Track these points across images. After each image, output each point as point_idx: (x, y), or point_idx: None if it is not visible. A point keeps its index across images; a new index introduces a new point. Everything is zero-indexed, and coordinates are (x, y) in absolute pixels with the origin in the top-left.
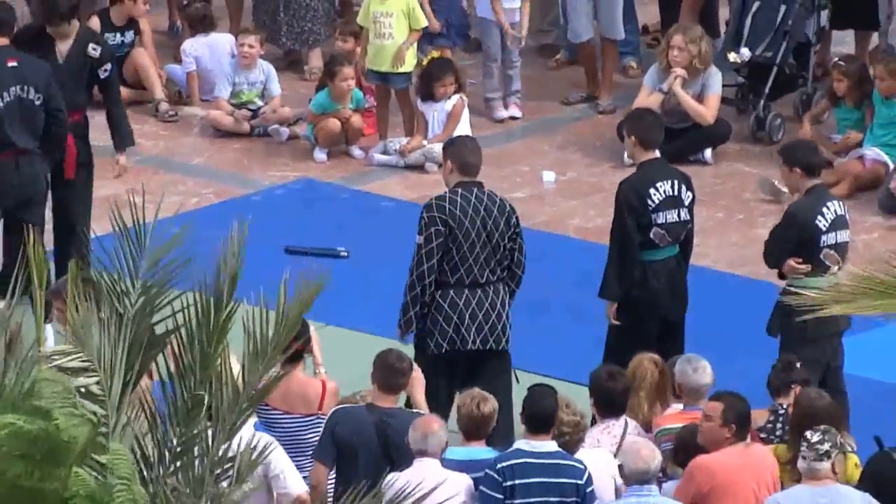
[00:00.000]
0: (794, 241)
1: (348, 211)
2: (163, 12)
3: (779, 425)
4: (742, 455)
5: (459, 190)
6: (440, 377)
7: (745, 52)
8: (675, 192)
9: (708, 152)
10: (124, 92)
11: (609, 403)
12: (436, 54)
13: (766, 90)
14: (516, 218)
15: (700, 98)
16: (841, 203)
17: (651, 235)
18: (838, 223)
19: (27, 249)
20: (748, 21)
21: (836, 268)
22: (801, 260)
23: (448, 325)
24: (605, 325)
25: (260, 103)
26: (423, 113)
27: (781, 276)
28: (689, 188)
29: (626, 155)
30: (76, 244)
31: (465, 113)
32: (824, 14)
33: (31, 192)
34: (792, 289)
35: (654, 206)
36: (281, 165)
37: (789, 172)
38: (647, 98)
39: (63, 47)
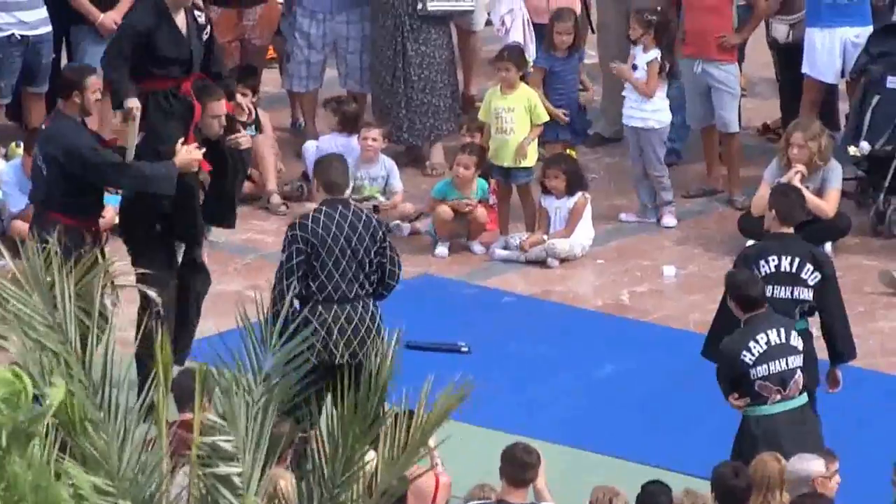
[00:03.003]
0: (730, 378)
1: (469, 306)
2: (286, 109)
3: None
4: None
5: (324, 208)
6: (312, 386)
7: (865, 146)
8: (793, 269)
9: (828, 246)
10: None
11: (732, 500)
12: (572, 152)
13: (886, 184)
14: (383, 233)
15: (820, 192)
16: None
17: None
18: (771, 353)
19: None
20: (868, 115)
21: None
22: (737, 395)
23: (317, 339)
24: (724, 419)
25: (381, 199)
26: (546, 209)
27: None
28: (818, 268)
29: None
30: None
31: (588, 209)
32: None
33: None
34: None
35: (762, 275)
36: (402, 261)
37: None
38: (767, 192)
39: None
